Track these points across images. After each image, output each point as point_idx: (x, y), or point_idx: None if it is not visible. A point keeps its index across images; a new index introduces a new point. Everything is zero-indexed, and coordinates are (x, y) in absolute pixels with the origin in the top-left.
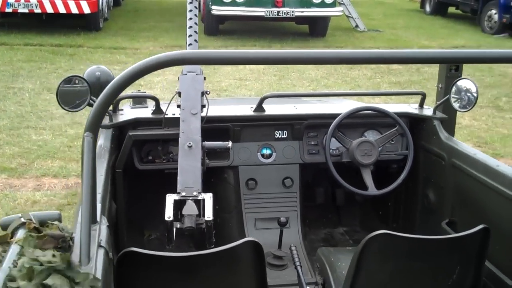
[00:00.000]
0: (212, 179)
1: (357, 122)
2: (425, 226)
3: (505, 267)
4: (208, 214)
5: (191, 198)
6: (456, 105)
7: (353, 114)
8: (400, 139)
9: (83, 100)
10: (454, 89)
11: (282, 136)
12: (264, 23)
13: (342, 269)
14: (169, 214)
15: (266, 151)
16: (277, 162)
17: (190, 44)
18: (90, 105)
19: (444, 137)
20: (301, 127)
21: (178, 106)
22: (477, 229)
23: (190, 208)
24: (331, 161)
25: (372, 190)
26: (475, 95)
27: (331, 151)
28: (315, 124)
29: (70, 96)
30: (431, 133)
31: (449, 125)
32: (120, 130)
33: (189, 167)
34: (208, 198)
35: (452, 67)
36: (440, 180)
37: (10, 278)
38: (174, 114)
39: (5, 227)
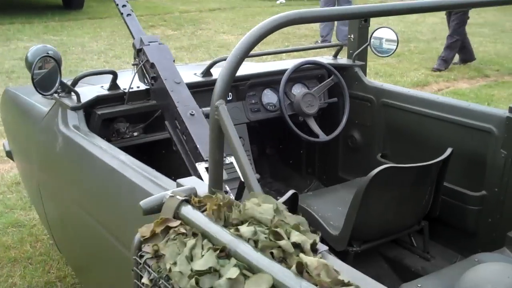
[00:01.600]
0: (163, 150)
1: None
2: (355, 163)
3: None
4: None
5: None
6: (376, 52)
7: (297, 69)
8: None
9: (54, 80)
10: (373, 37)
11: (228, 98)
12: None
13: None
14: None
15: None
16: None
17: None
18: (62, 84)
19: (368, 82)
20: (245, 87)
21: (153, 78)
22: (448, 154)
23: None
24: (275, 115)
25: (323, 136)
26: (395, 42)
27: (268, 107)
28: (255, 83)
29: (44, 80)
30: (353, 79)
31: (364, 71)
32: (86, 111)
33: (202, 134)
34: (233, 160)
35: (362, 20)
36: (367, 120)
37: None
38: (138, 87)
39: (150, 211)
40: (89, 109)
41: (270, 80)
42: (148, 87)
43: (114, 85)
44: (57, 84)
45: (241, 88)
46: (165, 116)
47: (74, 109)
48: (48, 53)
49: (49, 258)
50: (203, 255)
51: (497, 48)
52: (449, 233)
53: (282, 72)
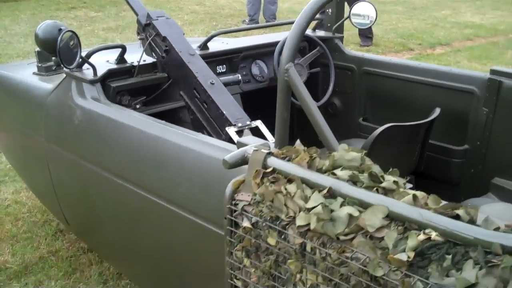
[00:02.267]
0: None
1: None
2: (336, 128)
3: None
4: (268, 137)
5: (247, 127)
6: (356, 24)
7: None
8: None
9: (75, 54)
10: (353, 10)
11: (222, 71)
12: None
13: None
14: None
15: None
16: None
17: None
18: (81, 58)
19: (348, 52)
20: (238, 59)
21: (166, 51)
22: (437, 113)
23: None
24: (264, 85)
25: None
26: (374, 14)
27: (257, 78)
28: (246, 56)
29: (66, 54)
30: (334, 50)
31: (342, 42)
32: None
33: (226, 100)
34: (259, 123)
35: None
36: (347, 88)
37: None
38: (145, 61)
39: (235, 165)
40: (102, 82)
41: (258, 52)
42: (154, 60)
43: (122, 59)
44: (78, 58)
45: (234, 60)
46: (181, 87)
47: (92, 82)
48: (61, 28)
49: (35, 235)
50: (309, 197)
51: (414, 24)
52: (434, 185)
53: (270, 44)
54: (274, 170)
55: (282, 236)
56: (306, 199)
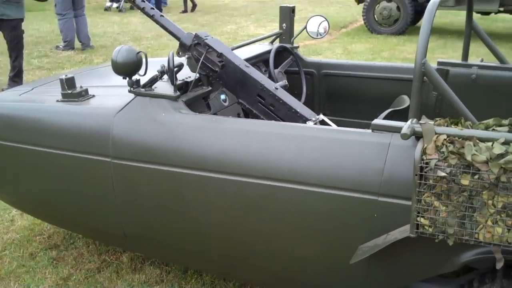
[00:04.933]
0: None
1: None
2: None
3: None
4: (333, 126)
5: (319, 121)
6: (313, 35)
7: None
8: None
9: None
10: (308, 23)
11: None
12: None
13: None
14: None
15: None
16: (229, 103)
17: None
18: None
19: (307, 59)
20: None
21: (222, 66)
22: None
23: None
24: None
25: None
26: (327, 26)
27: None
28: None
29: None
30: (296, 58)
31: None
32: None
33: (293, 101)
34: (323, 117)
35: (291, 11)
36: (307, 90)
37: None
38: (189, 77)
39: (409, 136)
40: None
41: (254, 61)
42: (197, 76)
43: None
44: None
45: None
46: (239, 96)
47: (175, 98)
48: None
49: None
50: (492, 145)
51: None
52: None
53: (260, 55)
54: (447, 135)
55: (476, 176)
56: (489, 149)
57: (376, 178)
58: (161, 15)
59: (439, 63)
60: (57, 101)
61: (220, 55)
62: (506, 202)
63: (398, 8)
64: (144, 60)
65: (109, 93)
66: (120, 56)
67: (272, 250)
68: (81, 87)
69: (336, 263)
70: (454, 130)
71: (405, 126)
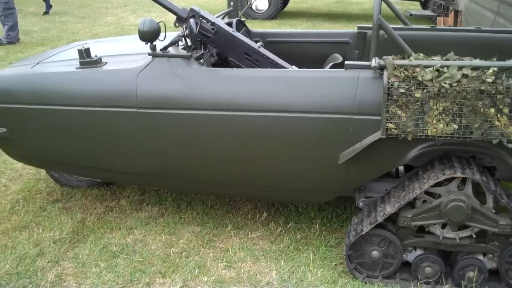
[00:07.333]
0: None
1: None
2: None
3: None
4: None
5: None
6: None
7: None
8: None
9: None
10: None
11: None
12: None
13: None
14: None
15: None
16: (214, 61)
17: None
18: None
19: (253, 30)
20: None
21: (215, 32)
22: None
23: None
24: None
25: None
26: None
27: None
28: None
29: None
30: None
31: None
32: None
33: (274, 56)
34: (295, 67)
35: None
36: None
37: None
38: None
39: (381, 68)
40: None
41: None
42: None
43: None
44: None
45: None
46: (229, 54)
47: (189, 57)
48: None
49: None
50: (439, 69)
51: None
52: None
53: None
54: (401, 65)
55: (425, 90)
56: (432, 72)
57: (351, 102)
58: None
59: (359, 28)
60: (77, 68)
61: (213, 23)
62: (445, 106)
63: None
64: (164, 28)
65: (119, 60)
66: (146, 26)
67: (274, 166)
68: (95, 55)
69: (324, 168)
70: (405, 61)
71: (373, 62)
